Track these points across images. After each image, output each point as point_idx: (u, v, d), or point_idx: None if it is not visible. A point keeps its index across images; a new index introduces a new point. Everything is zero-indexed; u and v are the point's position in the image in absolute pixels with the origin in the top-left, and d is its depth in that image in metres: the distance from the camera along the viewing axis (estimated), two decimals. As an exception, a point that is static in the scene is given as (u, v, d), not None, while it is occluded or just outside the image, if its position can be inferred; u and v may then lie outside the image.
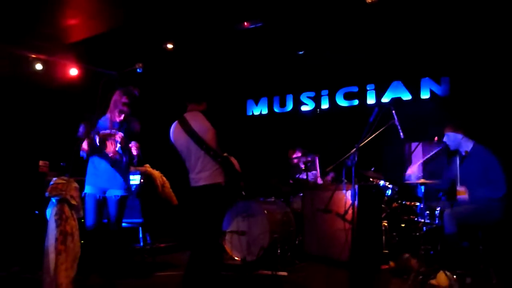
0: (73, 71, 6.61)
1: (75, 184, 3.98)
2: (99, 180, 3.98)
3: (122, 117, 4.03)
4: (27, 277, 4.52)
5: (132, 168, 5.74)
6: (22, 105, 6.31)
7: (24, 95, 6.35)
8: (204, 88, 3.76)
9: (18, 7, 5.26)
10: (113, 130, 3.96)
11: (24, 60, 6.32)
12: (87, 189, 4.01)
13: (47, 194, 3.85)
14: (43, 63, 6.41)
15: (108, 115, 4.06)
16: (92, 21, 5.79)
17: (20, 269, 4.72)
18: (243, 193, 5.43)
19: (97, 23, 5.83)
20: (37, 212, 4.61)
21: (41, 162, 5.72)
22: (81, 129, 3.88)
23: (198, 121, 3.59)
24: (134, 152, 3.93)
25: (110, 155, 3.93)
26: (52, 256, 3.64)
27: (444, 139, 4.69)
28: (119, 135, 3.92)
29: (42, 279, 3.68)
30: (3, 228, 5.13)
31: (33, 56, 6.32)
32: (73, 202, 3.89)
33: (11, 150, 6.15)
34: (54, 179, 3.98)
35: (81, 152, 3.85)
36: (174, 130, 3.71)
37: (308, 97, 7.30)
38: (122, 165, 4.01)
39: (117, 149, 3.91)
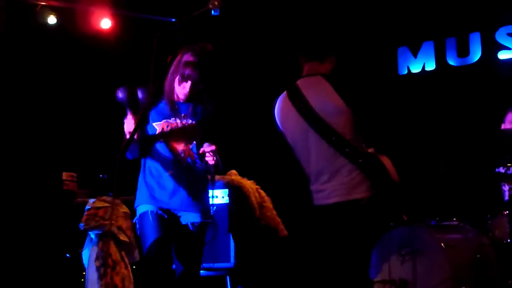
0: (105, 23, 7.10)
1: (124, 209, 4.28)
2: (163, 193, 4.14)
3: (187, 88, 4.09)
4: None
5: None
6: (26, 80, 6.84)
7: (30, 65, 6.89)
8: (330, 35, 3.83)
9: None
10: (178, 120, 4.12)
11: (28, 10, 6.91)
12: (142, 207, 4.03)
13: (81, 226, 4.20)
14: (58, 13, 6.96)
15: (166, 95, 4.19)
16: None
17: None
18: (404, 217, 5.43)
19: None
20: (68, 255, 5.05)
21: (64, 175, 6.22)
22: (121, 94, 3.96)
23: (320, 93, 3.66)
24: (210, 160, 3.97)
25: (179, 156, 4.04)
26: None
27: None
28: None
29: None
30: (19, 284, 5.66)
31: (43, 3, 6.88)
32: (123, 237, 4.21)
33: (16, 156, 6.67)
34: (91, 201, 4.33)
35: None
36: (281, 108, 3.83)
37: (511, 35, 7.13)
38: (198, 172, 4.14)
39: (190, 147, 4.04)
